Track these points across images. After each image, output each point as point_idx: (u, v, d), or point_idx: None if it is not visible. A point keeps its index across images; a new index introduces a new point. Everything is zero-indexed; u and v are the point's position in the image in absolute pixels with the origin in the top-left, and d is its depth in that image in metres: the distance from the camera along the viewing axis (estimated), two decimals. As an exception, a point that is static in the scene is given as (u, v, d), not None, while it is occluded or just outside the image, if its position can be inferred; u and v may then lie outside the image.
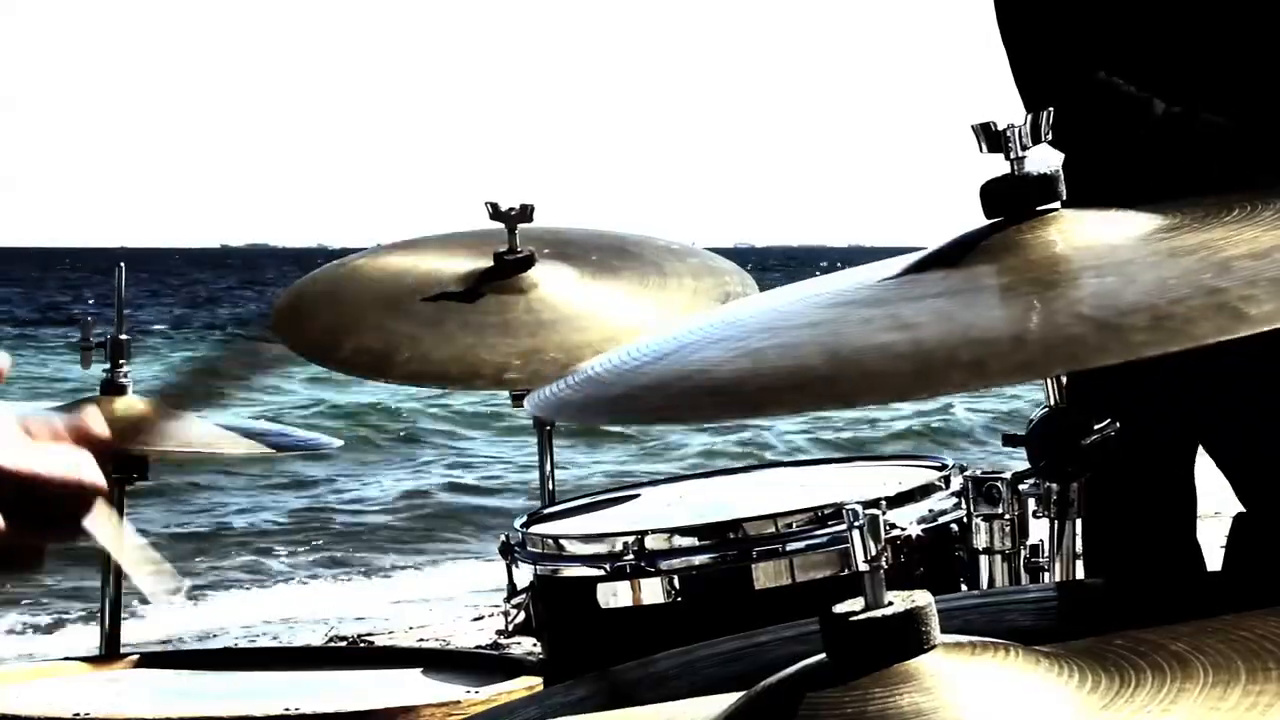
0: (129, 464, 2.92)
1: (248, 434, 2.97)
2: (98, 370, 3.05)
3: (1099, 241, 1.23)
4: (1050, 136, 1.35)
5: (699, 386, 1.18)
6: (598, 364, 1.29)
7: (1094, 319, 1.07)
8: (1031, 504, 2.28)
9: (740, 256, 3.30)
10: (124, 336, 3.05)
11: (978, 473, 2.39)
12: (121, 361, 3.03)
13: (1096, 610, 1.45)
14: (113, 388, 3.01)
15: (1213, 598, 1.36)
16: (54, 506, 1.21)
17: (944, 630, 1.13)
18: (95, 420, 1.24)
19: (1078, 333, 1.06)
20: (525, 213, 2.97)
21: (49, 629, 8.13)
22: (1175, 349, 1.00)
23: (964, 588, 2.34)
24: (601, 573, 2.42)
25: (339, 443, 3.52)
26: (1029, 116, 1.35)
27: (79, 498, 1.22)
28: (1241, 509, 2.73)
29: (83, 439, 1.23)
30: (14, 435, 1.20)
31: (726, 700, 1.21)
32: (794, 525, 2.38)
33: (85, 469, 1.21)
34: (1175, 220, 1.26)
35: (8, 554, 1.21)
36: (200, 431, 3.03)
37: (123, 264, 3.33)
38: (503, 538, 2.63)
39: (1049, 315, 1.10)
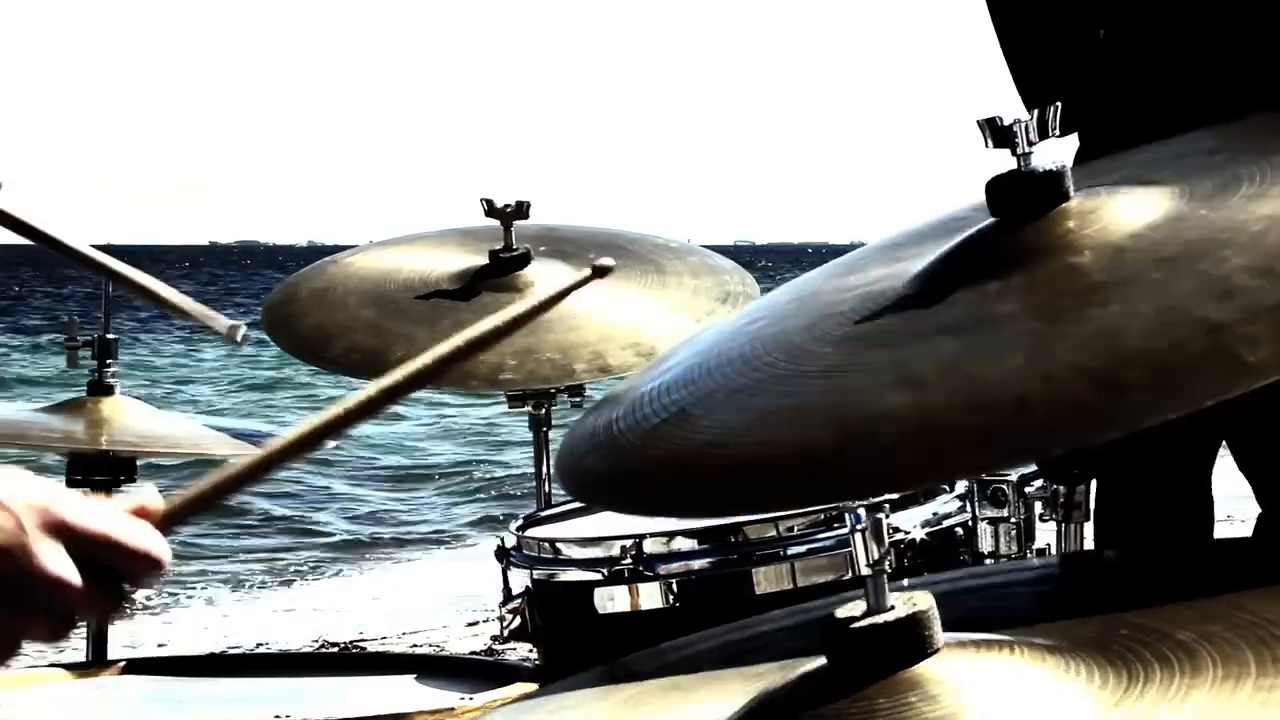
0: (117, 467, 2.92)
1: (236, 435, 2.97)
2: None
3: (1106, 241, 1.22)
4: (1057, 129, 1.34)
5: (713, 469, 1.17)
6: (621, 413, 1.28)
7: (1094, 372, 1.06)
8: (1038, 507, 2.28)
9: (741, 254, 3.30)
10: (111, 335, 3.04)
11: (983, 475, 2.39)
12: (109, 361, 3.02)
13: (1099, 589, 1.44)
14: (100, 388, 3.00)
15: (1214, 571, 1.35)
16: (120, 571, 1.22)
17: (945, 619, 1.12)
18: (152, 499, 1.26)
19: (1078, 396, 1.04)
20: (521, 209, 2.98)
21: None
22: (1174, 415, 0.99)
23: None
24: (599, 577, 2.43)
25: (330, 443, 3.51)
26: (1036, 111, 1.35)
27: (143, 567, 1.23)
28: (1260, 511, 2.73)
29: (142, 515, 1.25)
30: (86, 503, 1.22)
31: (726, 700, 1.21)
32: (795, 529, 2.38)
33: (155, 541, 1.22)
34: (1183, 203, 1.24)
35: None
36: (188, 433, 3.03)
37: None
38: (498, 541, 2.64)
39: (1049, 376, 1.08)
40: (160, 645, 7.34)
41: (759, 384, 1.22)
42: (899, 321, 1.22)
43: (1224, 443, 2.77)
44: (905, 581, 1.18)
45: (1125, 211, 1.26)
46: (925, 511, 2.43)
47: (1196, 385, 1.00)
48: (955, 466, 1.04)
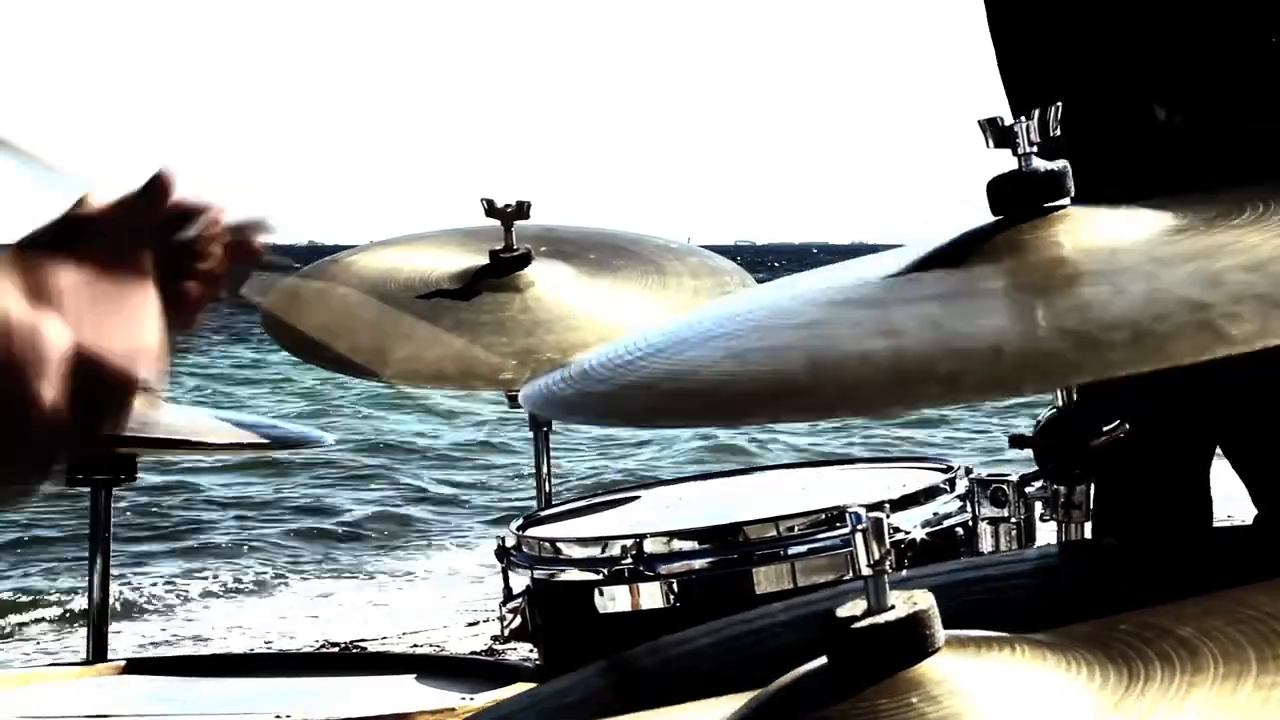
0: (117, 464, 2.92)
1: (238, 425, 2.97)
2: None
3: (1101, 244, 1.24)
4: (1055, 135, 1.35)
5: (683, 390, 1.19)
6: (599, 354, 1.31)
7: (1074, 333, 1.08)
8: (1038, 507, 2.28)
9: (741, 254, 3.31)
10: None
11: (983, 475, 2.39)
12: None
13: (1099, 581, 1.45)
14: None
15: (1215, 562, 1.36)
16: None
17: (944, 613, 1.13)
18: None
19: (1054, 348, 1.07)
20: (521, 209, 2.98)
21: (36, 634, 8.13)
22: (1149, 369, 1.00)
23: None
24: (599, 577, 2.43)
25: (331, 439, 3.52)
26: (1037, 112, 1.35)
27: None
28: (1256, 513, 2.73)
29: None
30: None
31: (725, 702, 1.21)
32: (796, 529, 2.38)
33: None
34: (1183, 221, 1.27)
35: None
36: (189, 421, 3.03)
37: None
38: (499, 541, 2.64)
39: (1031, 328, 1.11)
40: (197, 640, 7.34)
41: (738, 331, 1.25)
42: (887, 290, 1.24)
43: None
44: (904, 573, 1.19)
45: (1124, 222, 1.28)
46: (926, 511, 2.43)
47: (1174, 346, 1.02)
48: (922, 395, 1.06)
